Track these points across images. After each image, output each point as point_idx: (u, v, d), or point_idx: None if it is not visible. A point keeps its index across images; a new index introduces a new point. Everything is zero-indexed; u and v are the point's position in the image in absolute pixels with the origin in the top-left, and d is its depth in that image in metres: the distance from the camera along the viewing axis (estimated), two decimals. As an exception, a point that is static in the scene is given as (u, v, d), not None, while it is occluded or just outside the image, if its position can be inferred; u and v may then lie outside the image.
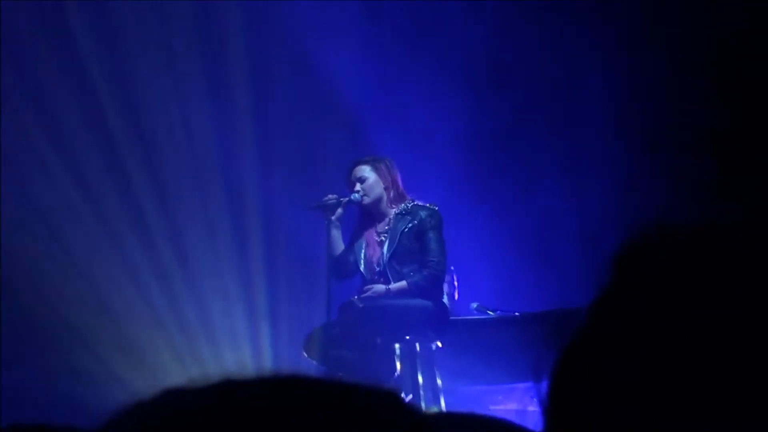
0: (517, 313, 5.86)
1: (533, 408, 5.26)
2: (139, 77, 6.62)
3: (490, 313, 5.96)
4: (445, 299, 5.38)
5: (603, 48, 6.96)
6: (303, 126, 6.66)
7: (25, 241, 6.40)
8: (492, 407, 5.60)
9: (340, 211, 5.31)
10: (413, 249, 5.22)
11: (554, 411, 0.79)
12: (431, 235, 5.19)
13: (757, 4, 6.73)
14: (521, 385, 5.57)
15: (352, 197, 5.31)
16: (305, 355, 5.30)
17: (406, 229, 5.21)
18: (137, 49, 6.64)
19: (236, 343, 6.24)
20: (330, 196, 5.34)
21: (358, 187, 5.27)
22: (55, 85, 6.52)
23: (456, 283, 5.71)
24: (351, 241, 5.39)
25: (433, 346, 5.30)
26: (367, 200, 5.28)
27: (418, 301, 5.20)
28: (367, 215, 5.36)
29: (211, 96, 6.62)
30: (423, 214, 5.23)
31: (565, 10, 7.09)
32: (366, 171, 5.29)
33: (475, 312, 6.01)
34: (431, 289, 5.23)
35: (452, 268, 5.61)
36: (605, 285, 0.80)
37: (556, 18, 7.10)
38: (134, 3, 6.67)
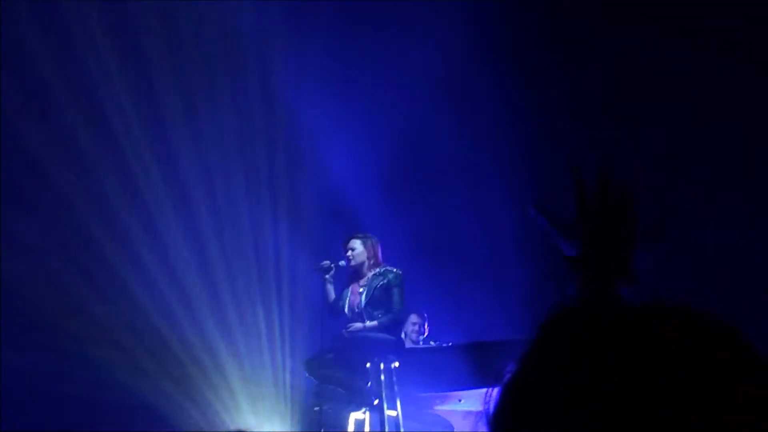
0: (450, 343, 8.03)
1: (462, 408, 7.53)
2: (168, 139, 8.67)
3: (432, 343, 8.27)
4: (404, 335, 7.62)
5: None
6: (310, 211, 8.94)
7: (68, 269, 8.19)
8: (435, 407, 7.69)
9: (332, 272, 7.55)
10: (382, 299, 7.42)
11: None
12: (395, 291, 7.42)
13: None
14: (453, 393, 7.55)
15: (340, 263, 7.55)
16: (306, 375, 7.53)
17: (379, 285, 7.43)
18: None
19: (257, 367, 8.50)
20: (325, 262, 7.57)
21: (349, 253, 7.49)
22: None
23: (426, 325, 7.96)
24: (341, 291, 7.58)
25: (393, 365, 7.33)
26: (353, 262, 7.48)
27: (384, 335, 7.42)
28: (353, 273, 7.56)
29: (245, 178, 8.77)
30: (391, 276, 7.46)
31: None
32: (357, 243, 7.52)
33: (422, 342, 8.34)
34: (393, 327, 7.47)
35: (425, 315, 7.89)
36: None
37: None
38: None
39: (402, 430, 7.21)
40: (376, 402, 7.25)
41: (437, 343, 8.26)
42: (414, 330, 8.53)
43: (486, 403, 0.92)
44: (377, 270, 7.50)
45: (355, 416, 7.44)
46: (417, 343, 8.47)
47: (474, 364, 7.20)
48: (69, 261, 8.19)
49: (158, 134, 8.67)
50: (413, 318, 8.58)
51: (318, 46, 8.81)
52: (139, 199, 8.49)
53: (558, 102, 8.66)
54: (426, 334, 8.44)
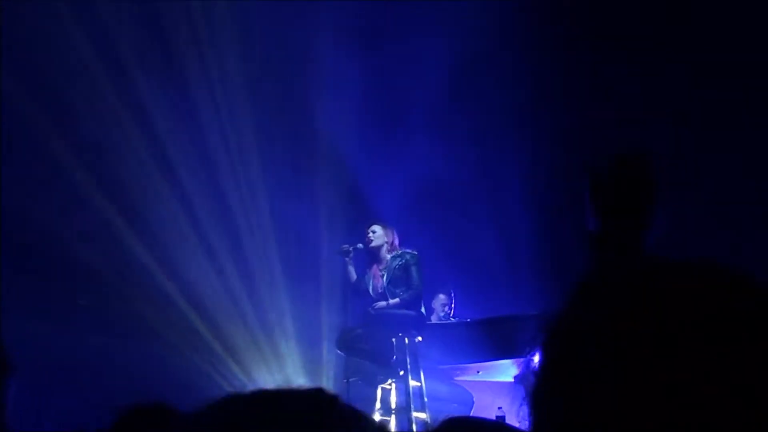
0: (469, 319, 8.58)
1: (480, 379, 8.08)
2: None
3: (452, 319, 8.81)
4: (427, 311, 8.22)
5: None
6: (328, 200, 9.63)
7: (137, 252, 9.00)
8: (456, 378, 8.20)
9: (351, 254, 8.14)
10: (402, 277, 7.96)
11: (536, 412, 0.89)
12: (413, 269, 7.97)
13: None
14: (471, 364, 8.02)
15: (358, 246, 8.12)
16: (337, 350, 8.12)
17: (397, 266, 7.98)
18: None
19: (288, 343, 9.19)
20: (344, 245, 8.16)
21: (370, 235, 8.05)
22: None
23: (453, 304, 8.53)
24: (362, 274, 8.15)
25: (416, 340, 7.90)
26: (372, 244, 8.04)
27: (406, 311, 7.93)
28: (373, 258, 8.12)
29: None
30: (407, 256, 8.01)
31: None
32: (377, 228, 8.10)
33: (443, 319, 8.90)
34: (414, 303, 7.97)
35: (452, 294, 8.47)
36: (565, 307, 0.89)
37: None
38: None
39: (425, 399, 7.77)
40: (401, 374, 7.80)
41: (456, 319, 8.82)
42: (443, 310, 9.08)
43: (527, 362, 0.94)
44: (395, 253, 8.08)
45: (382, 387, 8.04)
46: (444, 320, 9.00)
47: (490, 339, 7.76)
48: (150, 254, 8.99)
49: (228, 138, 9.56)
50: (441, 299, 9.12)
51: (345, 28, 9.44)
52: (215, 199, 9.31)
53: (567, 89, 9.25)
54: (452, 312, 8.99)
